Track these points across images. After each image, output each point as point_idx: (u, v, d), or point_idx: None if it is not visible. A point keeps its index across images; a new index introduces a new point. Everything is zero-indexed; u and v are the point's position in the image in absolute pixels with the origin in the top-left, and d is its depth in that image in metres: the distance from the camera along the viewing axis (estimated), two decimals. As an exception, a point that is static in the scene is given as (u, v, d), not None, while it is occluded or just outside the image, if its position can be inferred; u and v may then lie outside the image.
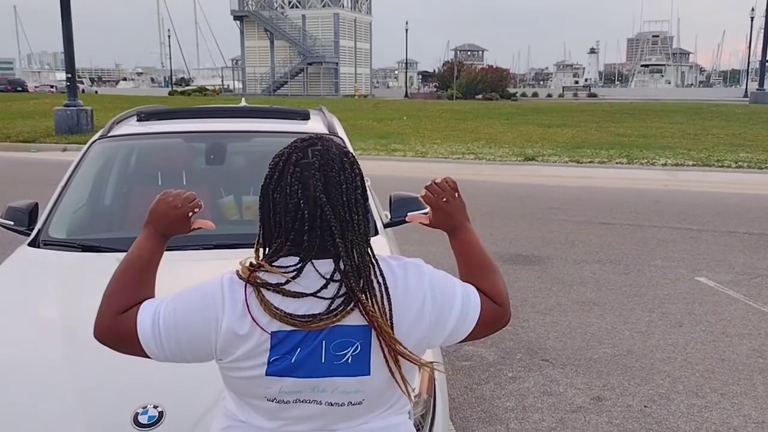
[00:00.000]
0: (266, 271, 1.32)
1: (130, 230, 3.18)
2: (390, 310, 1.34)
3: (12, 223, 3.20)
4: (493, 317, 1.46)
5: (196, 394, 1.93)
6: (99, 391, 1.97)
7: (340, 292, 1.31)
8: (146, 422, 1.83)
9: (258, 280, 1.31)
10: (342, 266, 1.32)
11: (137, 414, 1.85)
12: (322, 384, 1.32)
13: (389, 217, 3.53)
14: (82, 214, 3.35)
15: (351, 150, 1.44)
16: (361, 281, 1.32)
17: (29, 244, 3.01)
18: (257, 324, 1.29)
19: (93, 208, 3.46)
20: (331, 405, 1.35)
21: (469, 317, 1.42)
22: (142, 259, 1.42)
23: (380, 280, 1.35)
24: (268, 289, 1.30)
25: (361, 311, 1.31)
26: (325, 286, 1.31)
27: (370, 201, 3.21)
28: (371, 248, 1.37)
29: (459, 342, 1.45)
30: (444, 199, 1.49)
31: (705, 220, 8.76)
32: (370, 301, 1.31)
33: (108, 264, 2.79)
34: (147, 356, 1.37)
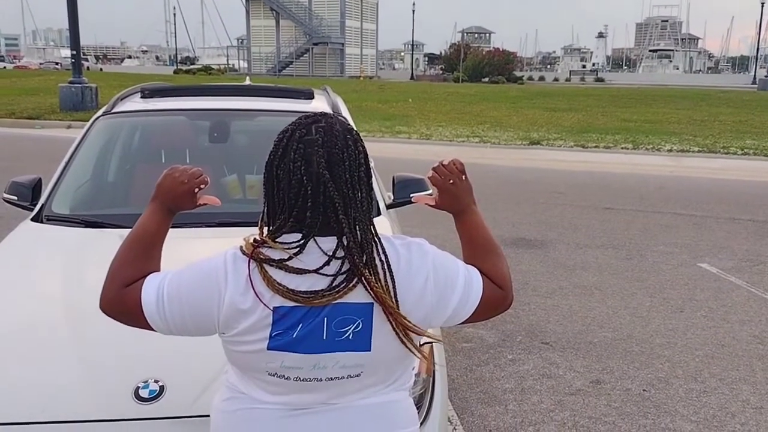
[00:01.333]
0: (269, 247, 1.33)
1: (132, 207, 3.19)
2: (393, 287, 1.34)
3: (15, 198, 3.21)
4: (496, 300, 1.46)
5: (196, 370, 1.94)
6: (100, 365, 1.99)
7: (343, 269, 1.32)
8: (147, 396, 1.85)
9: (261, 256, 1.32)
10: (345, 243, 1.32)
11: (138, 388, 1.87)
12: (322, 360, 1.34)
13: (392, 198, 3.53)
14: (85, 190, 3.35)
15: (354, 128, 1.44)
16: (365, 258, 1.32)
17: (32, 219, 3.02)
18: (260, 299, 1.30)
19: (96, 184, 3.46)
20: (331, 380, 1.36)
21: (471, 299, 1.42)
22: (148, 233, 1.44)
23: (383, 258, 1.35)
24: (271, 265, 1.31)
25: (365, 287, 1.32)
26: (327, 263, 1.32)
27: (373, 181, 3.21)
28: (374, 226, 1.37)
29: (460, 324, 1.46)
30: (451, 181, 1.48)
31: (709, 207, 8.74)
32: (373, 278, 1.32)
33: (110, 240, 2.81)
34: (151, 329, 1.39)
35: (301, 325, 1.31)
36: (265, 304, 1.30)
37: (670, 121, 19.29)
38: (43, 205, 3.08)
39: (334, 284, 1.31)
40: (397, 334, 1.35)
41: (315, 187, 1.31)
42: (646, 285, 5.59)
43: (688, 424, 3.43)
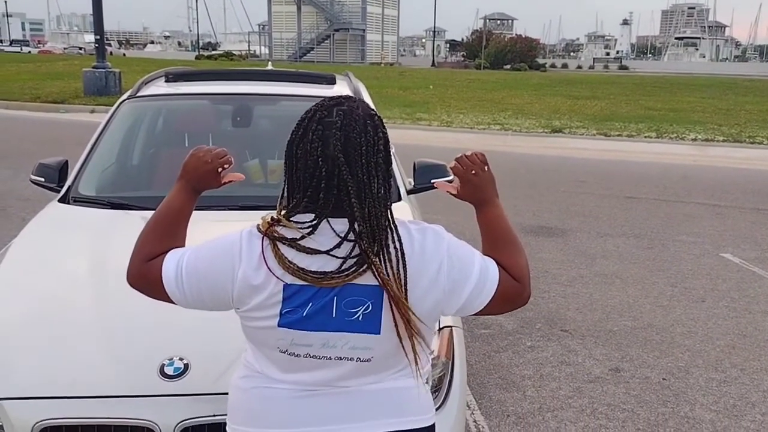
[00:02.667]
0: (284, 226, 1.36)
1: (156, 189, 3.23)
2: (405, 276, 1.34)
3: (43, 179, 3.27)
4: (512, 293, 1.45)
5: (220, 349, 1.97)
6: (127, 343, 2.03)
7: (353, 253, 1.33)
8: (172, 373, 1.89)
9: (275, 234, 1.35)
10: (356, 227, 1.33)
11: (163, 365, 1.91)
12: (332, 339, 1.36)
13: (413, 184, 3.54)
14: (110, 173, 3.40)
15: (377, 113, 1.43)
16: (376, 245, 1.33)
17: (59, 201, 3.07)
18: (272, 275, 1.33)
19: (121, 166, 3.51)
20: (341, 359, 1.37)
21: (486, 289, 1.41)
22: (173, 210, 1.48)
23: (397, 245, 1.35)
24: (284, 243, 1.34)
25: (374, 273, 1.33)
26: (338, 245, 1.33)
27: (394, 167, 3.22)
28: (391, 213, 1.38)
29: (475, 314, 1.45)
30: (473, 172, 1.48)
31: (733, 197, 8.63)
32: (384, 266, 1.33)
33: (135, 221, 2.85)
34: (172, 302, 1.44)
35: (311, 304, 1.33)
36: (277, 280, 1.33)
37: (694, 110, 19.02)
38: (69, 186, 3.14)
39: (343, 267, 1.33)
40: (396, 326, 1.35)
41: (329, 169, 1.32)
42: (668, 274, 5.55)
43: (707, 413, 3.42)
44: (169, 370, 1.89)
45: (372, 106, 1.43)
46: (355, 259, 1.33)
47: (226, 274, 1.36)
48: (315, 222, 1.34)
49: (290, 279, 1.33)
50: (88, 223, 2.87)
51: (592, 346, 4.15)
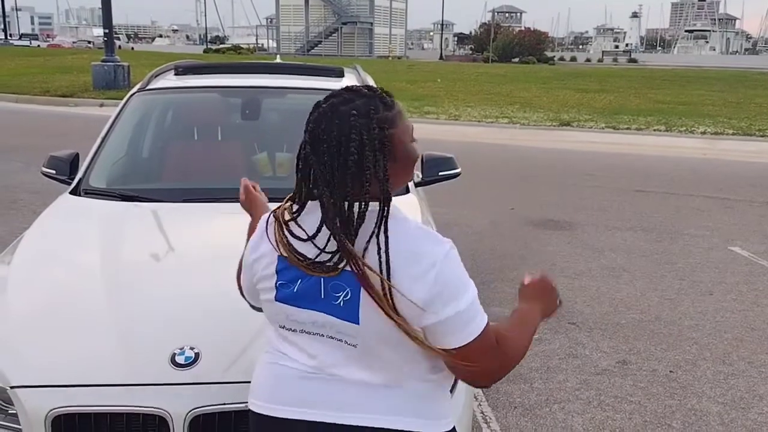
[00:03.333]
0: (285, 209, 1.45)
1: (166, 181, 3.26)
2: (388, 270, 1.30)
3: (54, 171, 3.30)
4: (489, 353, 1.36)
5: (230, 338, 2.00)
6: (138, 333, 2.05)
7: (328, 246, 1.33)
8: (183, 362, 1.91)
9: (277, 213, 1.45)
10: (326, 217, 1.32)
11: (174, 354, 1.93)
12: (320, 319, 1.37)
13: (420, 176, 3.55)
14: (121, 165, 3.43)
15: (371, 116, 1.35)
16: (353, 235, 1.31)
17: (70, 193, 3.10)
18: (270, 243, 1.43)
19: (131, 159, 3.54)
20: (332, 339, 1.39)
21: (469, 328, 1.33)
22: (250, 230, 1.70)
23: (381, 241, 1.31)
24: (280, 222, 1.42)
25: (351, 267, 1.31)
26: (316, 234, 1.35)
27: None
28: (384, 207, 1.33)
29: (447, 355, 1.35)
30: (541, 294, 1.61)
31: (742, 190, 8.60)
32: (360, 262, 1.30)
33: (145, 213, 2.89)
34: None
35: (300, 281, 1.38)
36: (273, 247, 1.41)
37: (704, 103, 18.90)
38: (80, 179, 3.16)
39: (317, 258, 1.34)
40: (380, 319, 1.32)
41: (301, 159, 1.39)
42: (676, 267, 5.54)
43: (714, 405, 3.43)
44: (180, 360, 1.92)
45: (374, 105, 1.39)
46: (329, 255, 1.33)
47: (247, 252, 1.53)
48: (297, 207, 1.42)
49: (283, 251, 1.39)
50: (99, 215, 2.89)
51: (599, 338, 4.16)
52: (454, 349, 1.34)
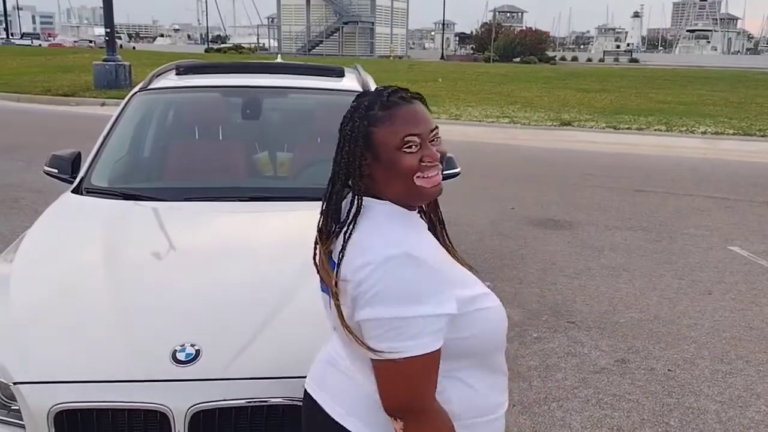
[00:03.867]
0: None
1: (168, 180, 3.28)
2: (341, 259, 1.36)
3: (56, 170, 3.33)
4: (400, 387, 1.30)
5: (230, 335, 2.02)
6: (139, 329, 2.08)
7: (318, 225, 1.46)
8: (184, 359, 1.93)
9: None
10: (324, 203, 1.45)
11: (175, 351, 1.95)
12: (324, 297, 1.48)
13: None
14: (122, 164, 3.45)
15: (367, 120, 1.40)
16: (330, 222, 1.43)
17: (72, 191, 3.13)
18: None
19: (133, 158, 3.56)
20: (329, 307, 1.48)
21: (393, 344, 1.28)
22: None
23: (348, 229, 1.38)
24: None
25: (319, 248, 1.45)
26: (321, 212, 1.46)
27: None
28: (358, 204, 1.39)
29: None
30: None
31: (742, 190, 8.61)
32: (321, 244, 1.43)
33: (146, 212, 2.92)
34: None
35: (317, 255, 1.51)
36: None
37: (705, 103, 18.90)
38: (82, 178, 3.19)
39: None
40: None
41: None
42: (675, 267, 5.56)
43: (712, 403, 3.45)
44: (181, 356, 1.94)
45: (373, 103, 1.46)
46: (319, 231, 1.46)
47: None
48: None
49: None
50: (101, 214, 2.92)
51: (598, 337, 4.18)
52: (372, 359, 1.31)
